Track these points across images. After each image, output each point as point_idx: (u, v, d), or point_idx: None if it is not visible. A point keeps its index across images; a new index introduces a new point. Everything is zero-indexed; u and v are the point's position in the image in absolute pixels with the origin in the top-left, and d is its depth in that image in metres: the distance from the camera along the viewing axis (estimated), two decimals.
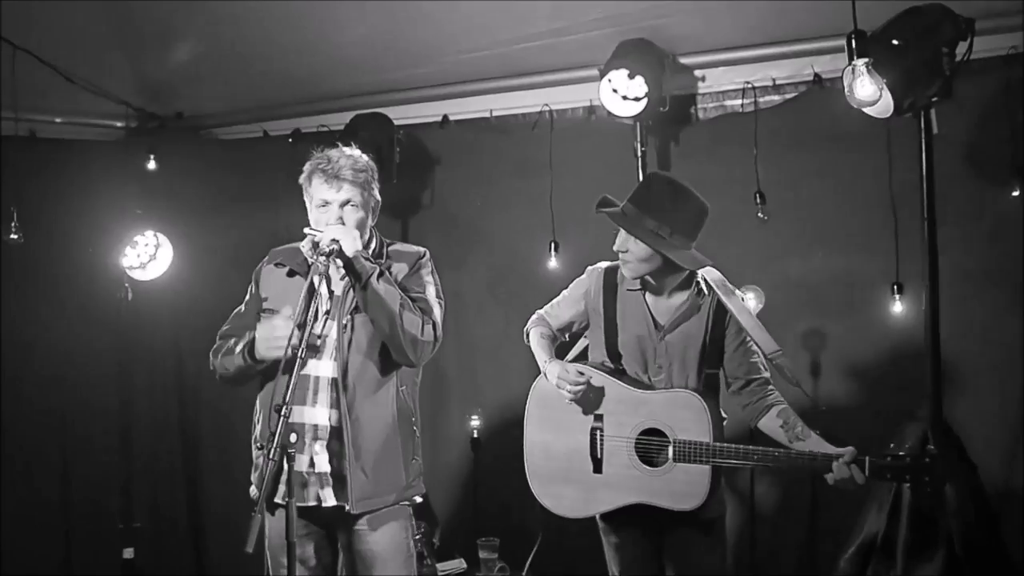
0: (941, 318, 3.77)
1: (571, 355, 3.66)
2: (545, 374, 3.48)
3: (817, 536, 4.27)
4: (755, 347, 3.30)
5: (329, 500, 3.15)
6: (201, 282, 5.17)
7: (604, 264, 3.53)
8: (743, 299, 3.39)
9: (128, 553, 4.86)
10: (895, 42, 3.58)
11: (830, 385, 4.31)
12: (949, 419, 3.83)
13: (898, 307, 4.17)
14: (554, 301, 3.66)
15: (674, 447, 3.23)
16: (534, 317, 3.68)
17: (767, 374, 3.33)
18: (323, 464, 3.14)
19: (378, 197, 3.31)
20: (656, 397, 3.32)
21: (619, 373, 3.43)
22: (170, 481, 5.44)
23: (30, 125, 5.10)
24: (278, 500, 3.11)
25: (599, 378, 3.40)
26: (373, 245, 3.29)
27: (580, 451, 3.42)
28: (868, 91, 3.43)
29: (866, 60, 3.43)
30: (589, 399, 3.40)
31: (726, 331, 3.33)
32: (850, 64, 3.47)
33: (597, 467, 3.38)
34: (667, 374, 3.35)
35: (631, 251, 3.28)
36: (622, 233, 3.30)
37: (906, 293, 4.15)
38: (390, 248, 3.34)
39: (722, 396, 3.40)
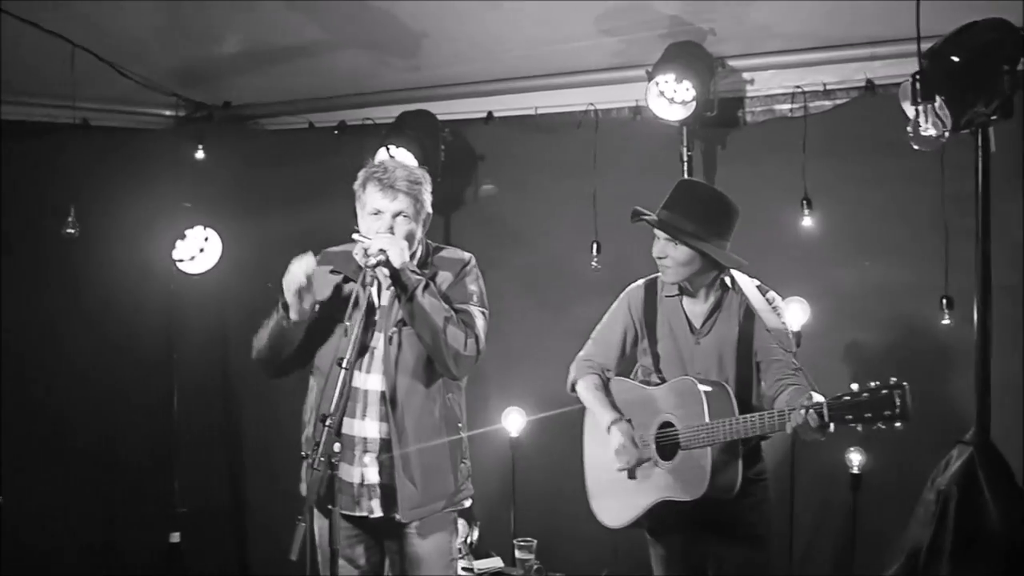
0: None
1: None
2: (610, 431, 3.51)
3: (856, 546, 4.23)
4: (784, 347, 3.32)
5: (378, 511, 3.21)
6: (246, 273, 5.21)
7: (641, 280, 3.62)
8: (772, 300, 3.41)
9: (174, 537, 4.96)
10: (954, 59, 3.49)
11: None
12: (997, 442, 3.77)
13: (947, 321, 4.09)
14: (592, 336, 3.71)
15: (680, 435, 3.29)
16: (576, 364, 3.71)
17: (794, 363, 3.33)
18: (372, 476, 3.19)
19: (430, 210, 3.32)
20: (660, 390, 3.42)
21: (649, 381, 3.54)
22: (215, 468, 5.55)
23: (84, 114, 5.16)
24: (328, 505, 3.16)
25: (619, 388, 3.58)
26: (420, 253, 3.29)
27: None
28: (931, 132, 3.35)
29: (933, 103, 3.33)
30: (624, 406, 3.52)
31: (754, 328, 3.36)
32: (915, 104, 3.36)
33: (631, 473, 3.46)
34: (706, 377, 3.39)
35: (671, 256, 3.35)
36: (660, 240, 3.37)
37: (956, 308, 4.06)
38: (436, 255, 3.34)
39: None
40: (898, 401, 2.75)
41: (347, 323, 3.00)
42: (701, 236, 3.31)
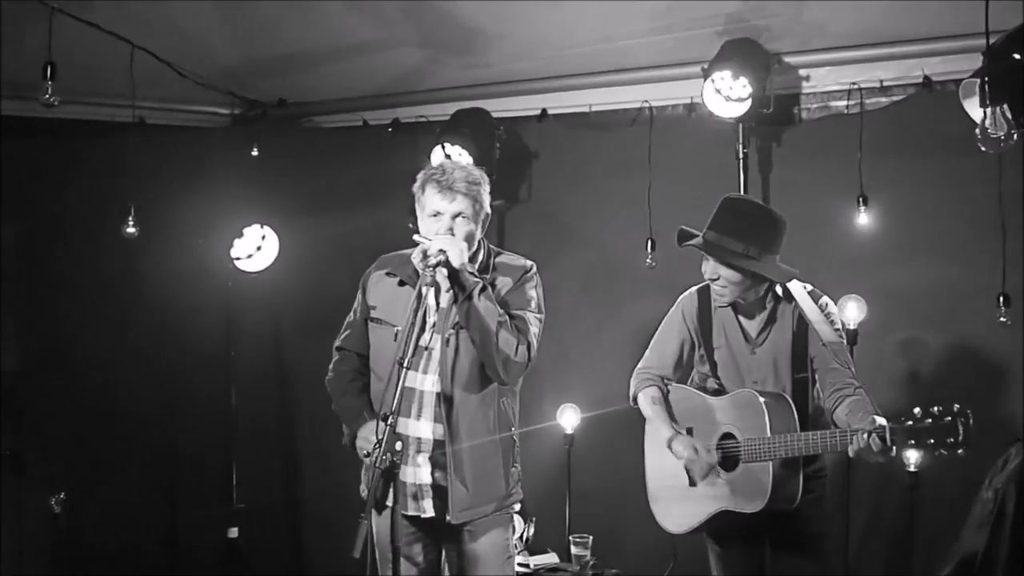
0: None
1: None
2: (670, 447, 3.54)
3: (913, 545, 4.22)
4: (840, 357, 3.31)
5: (430, 511, 3.24)
6: (300, 270, 5.29)
7: (694, 287, 3.63)
8: (825, 307, 3.40)
9: (232, 532, 5.04)
10: (1016, 56, 3.46)
11: (928, 398, 4.22)
12: None
13: (1003, 319, 4.07)
14: (650, 347, 3.74)
15: (741, 448, 3.32)
16: (636, 377, 3.74)
17: (851, 372, 3.32)
18: (425, 476, 3.22)
19: (488, 210, 3.33)
20: (723, 402, 3.43)
21: (705, 387, 3.57)
22: (272, 464, 5.64)
23: (141, 112, 5.22)
24: (388, 503, 3.20)
25: (679, 396, 3.61)
26: (480, 256, 3.31)
27: (680, 468, 3.51)
28: (999, 133, 3.33)
29: (1003, 101, 3.31)
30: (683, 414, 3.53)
31: (808, 336, 3.36)
32: (983, 106, 3.34)
33: (692, 481, 3.49)
34: (762, 387, 3.41)
35: (723, 277, 3.34)
36: (710, 262, 3.36)
37: (1013, 306, 4.04)
38: (498, 259, 3.36)
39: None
40: (961, 429, 2.78)
41: (402, 327, 3.02)
42: (751, 255, 3.30)
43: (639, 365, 3.75)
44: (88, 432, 5.09)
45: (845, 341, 3.40)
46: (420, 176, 3.28)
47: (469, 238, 3.22)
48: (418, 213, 3.31)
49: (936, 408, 2.80)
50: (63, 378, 5.02)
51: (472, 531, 3.29)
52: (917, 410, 2.83)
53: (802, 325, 3.37)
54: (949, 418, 2.78)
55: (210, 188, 5.16)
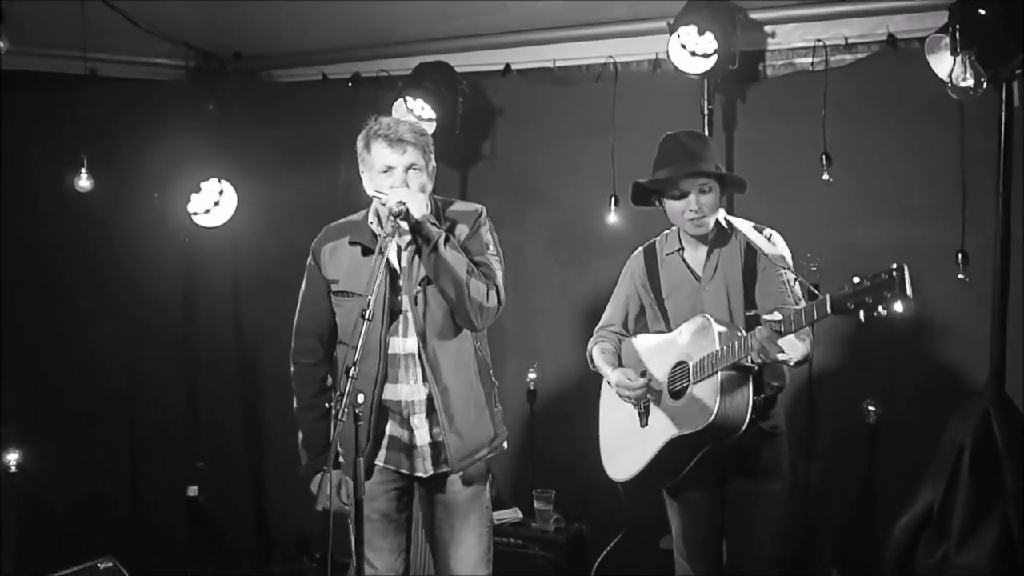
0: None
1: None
2: (609, 382, 3.58)
3: (872, 495, 4.29)
4: (784, 279, 3.32)
5: (430, 469, 3.28)
6: (259, 225, 5.20)
7: (639, 248, 3.68)
8: (770, 237, 3.39)
9: (192, 491, 5.00)
10: (980, 11, 3.48)
11: (890, 354, 4.30)
12: (1012, 393, 3.83)
13: (962, 277, 4.12)
14: (605, 309, 3.76)
15: (689, 368, 3.27)
16: (592, 338, 3.75)
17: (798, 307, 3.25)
18: (424, 437, 3.26)
19: (434, 162, 3.30)
20: (678, 333, 3.41)
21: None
22: (233, 422, 5.58)
23: (93, 64, 5.09)
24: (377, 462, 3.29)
25: (641, 340, 3.59)
26: (430, 208, 3.26)
27: (632, 413, 3.54)
28: (969, 82, 3.36)
29: (970, 52, 3.33)
30: (637, 363, 3.54)
31: (757, 266, 3.38)
32: (954, 55, 3.35)
33: (644, 421, 3.49)
34: None
35: (704, 204, 3.35)
36: (690, 195, 3.35)
37: (971, 263, 4.10)
38: (448, 210, 3.33)
39: None
40: (896, 279, 2.70)
41: (370, 295, 2.98)
42: (721, 169, 3.40)
43: (599, 324, 3.76)
44: (42, 390, 4.99)
45: (792, 268, 3.33)
46: (363, 134, 3.23)
47: (423, 190, 3.19)
48: (364, 172, 3.25)
49: (872, 272, 2.78)
50: (16, 336, 4.90)
51: (462, 479, 3.32)
52: (856, 278, 2.77)
53: (750, 256, 3.39)
54: (885, 275, 2.72)
55: (166, 142, 5.01)
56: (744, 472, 3.39)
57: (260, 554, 5.53)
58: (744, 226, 3.42)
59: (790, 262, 3.34)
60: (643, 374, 3.47)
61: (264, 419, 5.61)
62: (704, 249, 3.46)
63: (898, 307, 2.71)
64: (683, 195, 3.37)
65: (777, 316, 2.96)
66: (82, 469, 5.05)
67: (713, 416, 3.13)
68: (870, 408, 4.22)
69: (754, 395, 3.19)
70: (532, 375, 4.81)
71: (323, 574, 4.31)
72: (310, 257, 3.38)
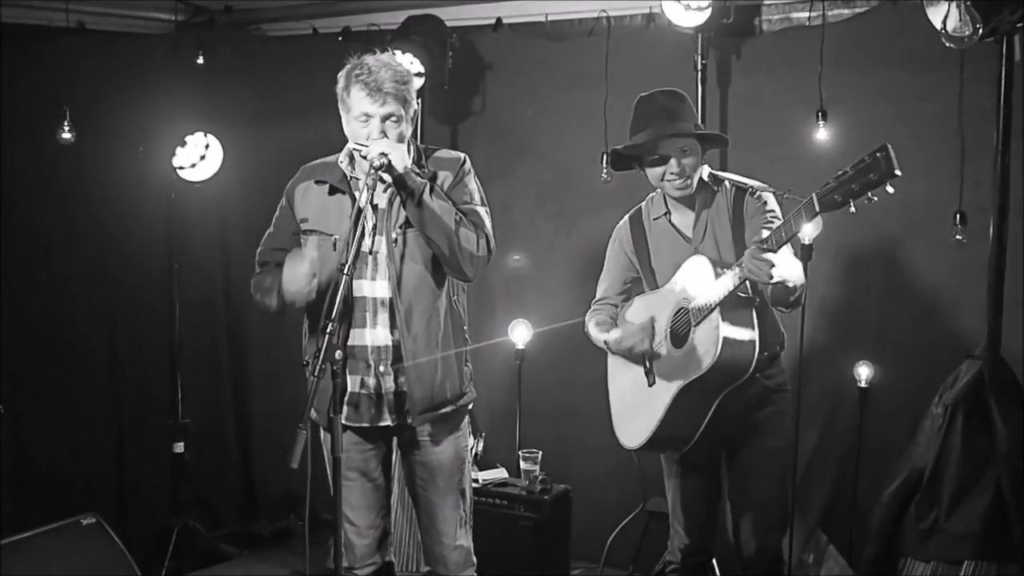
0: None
1: None
2: (608, 348, 3.48)
3: (861, 460, 4.23)
4: (775, 214, 3.21)
5: (388, 420, 3.19)
6: (247, 181, 5.12)
7: (624, 217, 3.57)
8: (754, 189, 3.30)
9: (178, 447, 4.95)
10: None
11: (883, 314, 4.24)
12: (1008, 358, 3.76)
13: (959, 237, 4.04)
14: (598, 282, 3.66)
15: (690, 311, 3.17)
16: (588, 314, 3.65)
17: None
18: (388, 384, 3.17)
19: (417, 108, 3.20)
20: (673, 282, 3.30)
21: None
22: (216, 379, 5.55)
23: (79, 17, 5.01)
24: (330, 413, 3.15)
25: (635, 303, 3.50)
26: (412, 155, 3.17)
27: (638, 375, 3.43)
28: (964, 30, 3.26)
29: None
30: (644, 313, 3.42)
31: (744, 216, 3.26)
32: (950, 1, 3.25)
33: (651, 380, 3.38)
34: None
35: (684, 164, 3.23)
36: (671, 160, 3.22)
37: (968, 223, 4.02)
38: (431, 157, 3.24)
39: None
40: (881, 159, 2.63)
41: (342, 235, 2.92)
42: (700, 127, 3.32)
43: (592, 302, 3.66)
44: (26, 347, 4.94)
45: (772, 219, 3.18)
46: (342, 76, 3.11)
47: (401, 140, 3.09)
48: (343, 115, 3.16)
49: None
50: None
51: (432, 437, 3.25)
52: (838, 172, 2.73)
53: (738, 208, 3.28)
54: (867, 158, 2.65)
55: (152, 96, 4.94)
56: (747, 430, 3.32)
57: (246, 511, 5.52)
58: (730, 177, 3.35)
59: (777, 211, 3.24)
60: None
61: (251, 376, 5.58)
62: (691, 212, 3.34)
63: (889, 189, 2.65)
64: (663, 159, 3.25)
65: (764, 234, 2.89)
66: (66, 425, 5.01)
67: (718, 351, 3.03)
68: (861, 370, 4.15)
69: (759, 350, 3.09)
70: (520, 333, 4.74)
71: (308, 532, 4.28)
72: (283, 198, 3.32)
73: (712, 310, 3.07)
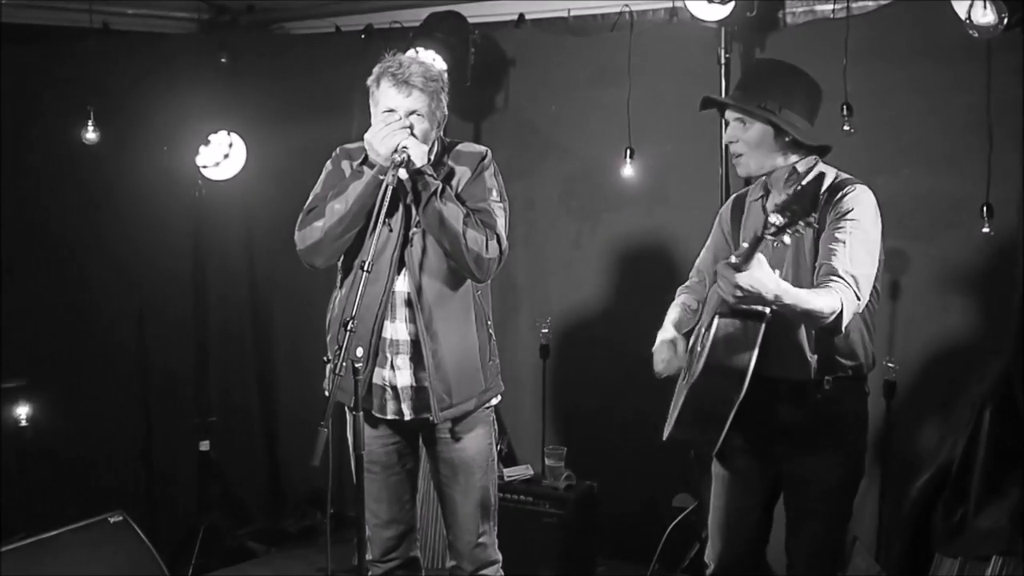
0: None
1: None
2: None
3: (890, 455, 4.20)
4: (846, 231, 2.91)
5: (409, 414, 3.21)
6: (271, 179, 5.15)
7: (735, 193, 3.39)
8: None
9: (204, 445, 4.98)
10: None
11: (910, 309, 4.20)
12: None
13: (987, 230, 4.00)
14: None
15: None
16: (679, 288, 3.43)
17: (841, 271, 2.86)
18: (405, 379, 3.18)
19: (446, 111, 3.20)
20: None
21: None
22: (243, 376, 5.58)
23: (103, 18, 5.04)
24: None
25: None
26: (436, 150, 3.19)
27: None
28: (990, 19, 3.22)
29: None
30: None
31: (828, 214, 2.96)
32: None
33: (683, 375, 3.19)
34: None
35: (742, 140, 3.02)
36: (732, 123, 3.04)
37: (996, 217, 3.97)
38: (453, 151, 3.25)
39: None
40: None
41: (371, 246, 2.88)
42: (769, 108, 2.95)
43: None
44: (55, 346, 4.99)
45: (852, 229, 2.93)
46: (376, 69, 3.14)
47: (425, 138, 3.09)
48: (372, 109, 3.16)
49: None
50: (27, 290, 4.88)
51: (455, 434, 3.26)
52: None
53: (827, 205, 2.97)
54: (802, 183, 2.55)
55: (176, 95, 4.96)
56: (803, 457, 3.03)
57: (271, 508, 5.54)
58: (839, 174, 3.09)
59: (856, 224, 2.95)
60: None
61: (276, 373, 5.61)
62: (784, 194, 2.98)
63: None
64: (726, 124, 3.08)
65: (743, 247, 2.66)
66: (93, 424, 5.04)
67: (703, 361, 2.86)
68: (889, 364, 4.11)
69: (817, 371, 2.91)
70: (545, 330, 4.73)
71: (333, 528, 4.30)
72: (329, 163, 3.30)
73: (713, 315, 2.92)
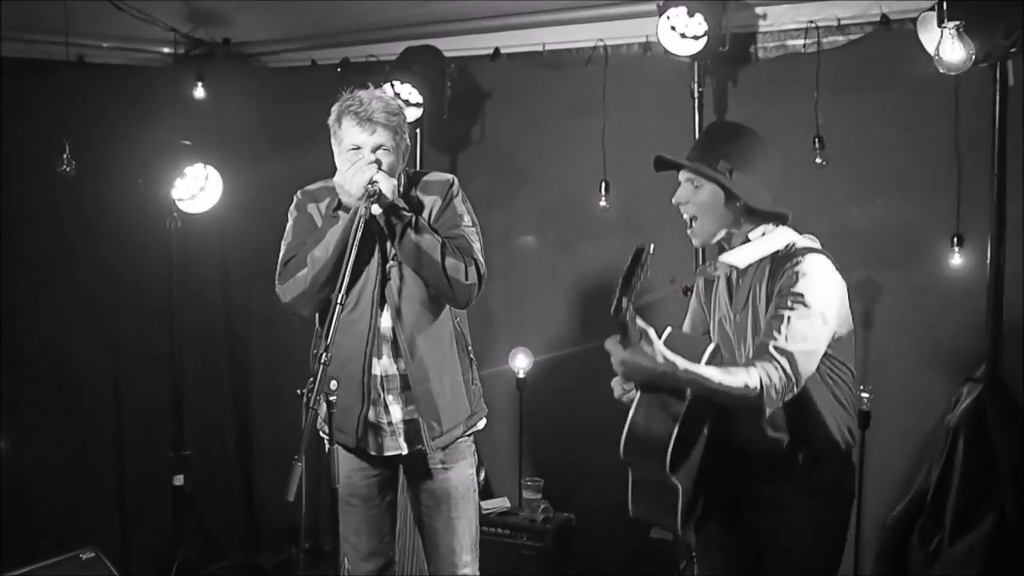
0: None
1: None
2: None
3: (864, 483, 4.22)
4: (787, 305, 2.69)
5: (404, 448, 3.22)
6: (247, 212, 5.15)
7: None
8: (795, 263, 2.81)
9: (179, 480, 4.92)
10: None
11: (882, 338, 4.24)
12: (1008, 380, 3.77)
13: (957, 260, 4.06)
14: None
15: None
16: None
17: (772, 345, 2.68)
18: (397, 414, 3.20)
19: (408, 142, 3.22)
20: None
21: None
22: (219, 410, 5.55)
23: (79, 50, 5.04)
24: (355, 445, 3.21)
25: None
26: (403, 181, 3.21)
27: None
28: (959, 56, 3.29)
29: (957, 24, 3.27)
30: None
31: (776, 285, 2.76)
32: (940, 26, 3.29)
33: None
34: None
35: (692, 202, 2.83)
36: (683, 184, 2.87)
37: (966, 246, 4.04)
38: (420, 182, 3.26)
39: None
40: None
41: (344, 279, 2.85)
42: (720, 169, 2.77)
43: None
44: (28, 380, 4.95)
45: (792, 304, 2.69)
46: (335, 108, 3.15)
47: (392, 171, 3.10)
48: (334, 148, 3.18)
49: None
50: (0, 323, 4.84)
51: (443, 463, 3.27)
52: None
53: (774, 277, 2.78)
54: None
55: (152, 128, 4.96)
56: (765, 527, 2.87)
57: (247, 543, 5.48)
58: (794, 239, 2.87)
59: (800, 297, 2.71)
60: None
61: (252, 406, 5.58)
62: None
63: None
64: (679, 182, 2.90)
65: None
66: (66, 458, 5.00)
67: (626, 429, 2.69)
68: (863, 394, 4.14)
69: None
70: (521, 362, 4.73)
71: (310, 563, 4.25)
72: (294, 210, 3.30)
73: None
